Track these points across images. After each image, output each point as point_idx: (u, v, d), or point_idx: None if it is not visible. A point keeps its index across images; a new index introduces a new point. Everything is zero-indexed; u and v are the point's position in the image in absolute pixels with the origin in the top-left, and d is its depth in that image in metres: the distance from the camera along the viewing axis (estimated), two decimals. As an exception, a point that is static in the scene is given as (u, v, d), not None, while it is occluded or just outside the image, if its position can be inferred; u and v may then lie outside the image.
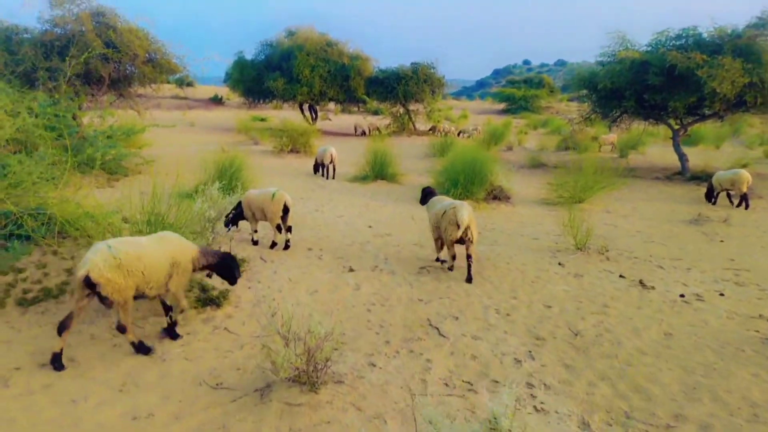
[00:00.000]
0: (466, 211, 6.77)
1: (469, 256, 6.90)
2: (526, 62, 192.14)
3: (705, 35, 16.06)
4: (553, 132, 36.76)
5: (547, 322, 5.59)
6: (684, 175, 16.52)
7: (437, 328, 5.35)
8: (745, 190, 12.69)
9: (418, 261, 7.86)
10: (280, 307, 5.74)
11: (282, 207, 7.94)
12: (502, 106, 57.75)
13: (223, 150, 20.89)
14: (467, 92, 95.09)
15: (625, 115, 18.86)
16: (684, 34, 16.43)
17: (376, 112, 43.99)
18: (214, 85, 70.34)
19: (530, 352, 4.86)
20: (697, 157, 19.55)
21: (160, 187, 7.09)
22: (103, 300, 4.30)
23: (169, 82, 67.17)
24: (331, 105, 40.51)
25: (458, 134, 28.18)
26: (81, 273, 4.16)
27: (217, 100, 53.31)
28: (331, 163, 16.71)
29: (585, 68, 18.49)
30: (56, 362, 4.33)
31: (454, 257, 7.29)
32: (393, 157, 16.27)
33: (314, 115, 34.51)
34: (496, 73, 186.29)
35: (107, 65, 14.24)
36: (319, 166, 17.05)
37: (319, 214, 11.10)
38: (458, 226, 6.68)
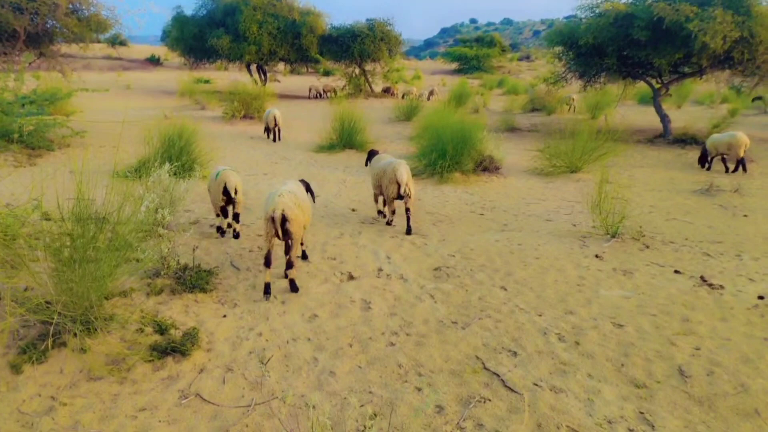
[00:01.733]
0: (404, 169, 7.03)
1: (407, 210, 7.22)
2: (473, 21, 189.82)
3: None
4: (509, 92, 35.58)
5: (633, 353, 4.15)
6: (666, 137, 15.51)
7: (497, 374, 3.81)
8: (742, 154, 11.69)
9: (427, 257, 6.29)
10: (271, 348, 4.06)
11: (222, 189, 6.33)
12: (454, 66, 55.96)
13: (165, 117, 18.44)
14: (415, 52, 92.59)
15: (602, 74, 17.61)
16: (669, -15, 15.14)
17: (327, 73, 41.40)
18: (151, 44, 65.14)
19: (642, 414, 3.40)
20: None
21: (93, 166, 5.16)
22: (287, 234, 4.83)
23: (99, 41, 61.86)
24: (280, 66, 37.69)
25: (428, 97, 26.39)
26: (277, 212, 4.75)
27: (154, 61, 49.07)
28: (276, 126, 15.47)
29: (562, 24, 16.97)
30: (267, 291, 4.95)
31: (393, 212, 7.67)
32: (362, 122, 14.45)
33: (264, 77, 31.78)
34: (443, 32, 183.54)
35: (21, 17, 11.56)
36: (268, 129, 15.96)
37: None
38: (398, 184, 6.93)
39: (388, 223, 7.61)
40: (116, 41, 55.67)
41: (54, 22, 12.28)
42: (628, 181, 11.13)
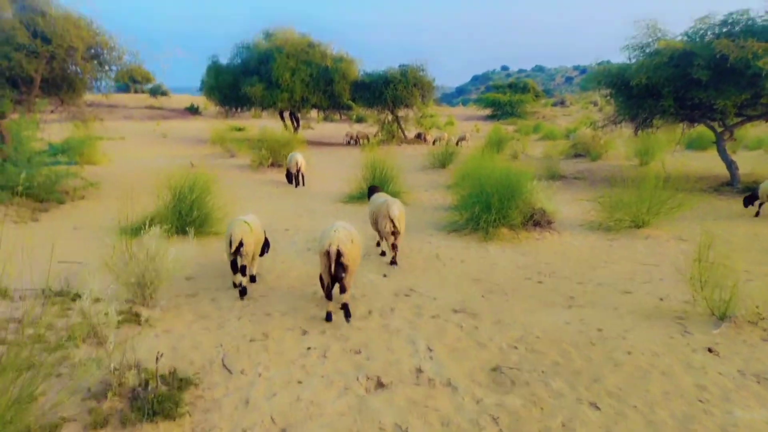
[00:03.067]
0: (396, 207, 7.33)
1: (394, 246, 7.52)
2: (505, 68, 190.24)
3: (758, 20, 13.28)
4: (546, 137, 34.13)
5: None
6: (734, 186, 13.69)
7: None
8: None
9: (480, 348, 4.75)
10: None
11: (228, 241, 5.88)
12: (487, 111, 55.02)
13: (192, 165, 17.61)
14: (447, 99, 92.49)
15: (655, 117, 16.01)
16: (730, 20, 13.64)
17: (359, 119, 40.90)
18: (191, 94, 66.62)
19: None
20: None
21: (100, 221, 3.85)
22: (341, 267, 5.05)
23: (139, 91, 63.41)
24: (313, 113, 37.31)
25: (457, 143, 25.18)
26: (333, 248, 5.02)
27: (193, 110, 49.68)
28: (298, 170, 14.58)
29: (611, 64, 15.56)
30: (329, 318, 5.25)
31: (394, 247, 7.59)
32: (394, 170, 13.16)
33: (296, 124, 31.22)
34: (475, 80, 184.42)
35: (35, 61, 10.83)
36: (290, 176, 15.05)
37: (311, 256, 7.92)
38: (391, 220, 7.20)
39: (393, 263, 7.61)
40: (158, 92, 57.03)
41: (75, 67, 11.46)
42: (707, 239, 9.41)
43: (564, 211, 11.02)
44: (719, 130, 14.93)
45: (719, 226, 10.32)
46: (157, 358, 3.45)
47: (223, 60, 30.56)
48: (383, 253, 8.12)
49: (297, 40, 28.80)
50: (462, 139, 27.37)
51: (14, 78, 11.11)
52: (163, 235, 5.54)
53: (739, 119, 14.99)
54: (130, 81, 66.31)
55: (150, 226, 8.50)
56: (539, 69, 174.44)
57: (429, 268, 7.53)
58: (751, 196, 11.22)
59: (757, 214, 10.96)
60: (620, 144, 22.28)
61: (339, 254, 4.99)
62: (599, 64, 16.17)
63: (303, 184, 14.86)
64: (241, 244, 5.81)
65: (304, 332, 4.98)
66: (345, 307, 5.36)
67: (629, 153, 21.42)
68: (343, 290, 5.29)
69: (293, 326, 5.12)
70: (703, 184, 14.71)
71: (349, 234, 5.32)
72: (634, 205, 9.71)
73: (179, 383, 3.58)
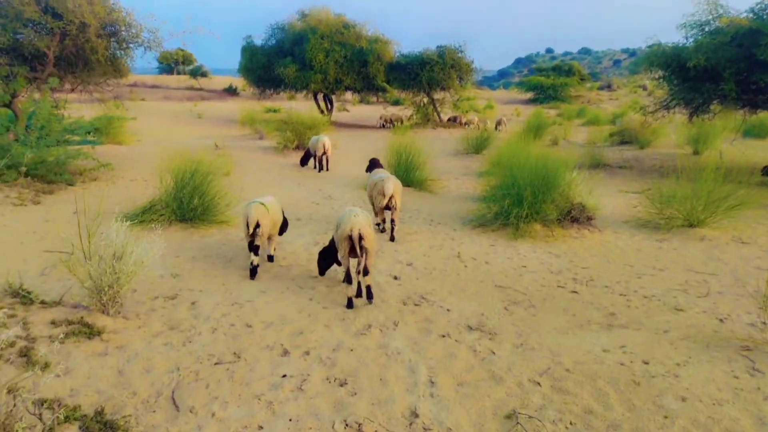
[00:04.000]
0: (391, 184, 7.48)
1: (392, 221, 7.71)
2: (549, 50, 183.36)
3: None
4: (590, 123, 32.22)
5: None
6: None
7: None
8: None
9: (494, 383, 3.83)
10: None
11: (245, 223, 5.97)
12: (529, 95, 52.81)
13: (216, 146, 17.08)
14: (488, 82, 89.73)
15: (713, 102, 14.41)
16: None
17: (396, 102, 39.77)
18: (232, 76, 66.83)
19: None
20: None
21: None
22: (362, 250, 5.11)
23: (179, 73, 63.87)
24: (348, 95, 36.40)
25: (495, 127, 23.86)
26: (355, 232, 5.09)
27: (231, 91, 49.55)
28: (324, 154, 13.79)
29: (665, 45, 13.96)
30: (350, 305, 5.25)
31: (384, 221, 8.06)
32: (421, 155, 12.17)
33: (329, 106, 30.41)
34: (518, 62, 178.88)
35: (46, 38, 10.30)
36: (308, 158, 14.32)
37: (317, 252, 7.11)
38: (384, 195, 7.39)
39: (391, 239, 7.75)
40: (198, 73, 57.25)
41: (89, 44, 10.86)
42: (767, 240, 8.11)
43: (607, 204, 9.82)
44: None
45: (787, 226, 8.96)
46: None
47: (258, 41, 29.98)
48: (383, 230, 8.18)
49: (332, 21, 27.85)
50: (499, 123, 26.00)
51: (26, 55, 10.63)
52: (162, 223, 4.77)
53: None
54: (173, 62, 67.17)
55: (144, 213, 7.98)
56: (586, 52, 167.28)
57: (447, 270, 6.60)
58: None
59: None
60: (671, 131, 20.51)
61: (361, 238, 5.11)
62: (650, 46, 14.56)
63: (327, 169, 14.06)
64: (257, 226, 5.84)
65: (285, 352, 4.17)
66: (368, 289, 5.41)
67: (680, 141, 19.68)
68: (366, 272, 5.29)
69: (274, 343, 4.32)
70: (759, 175, 13.12)
71: (367, 218, 5.49)
72: (689, 200, 8.46)
73: (102, 429, 2.82)
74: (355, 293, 5.37)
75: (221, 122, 29.25)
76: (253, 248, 5.99)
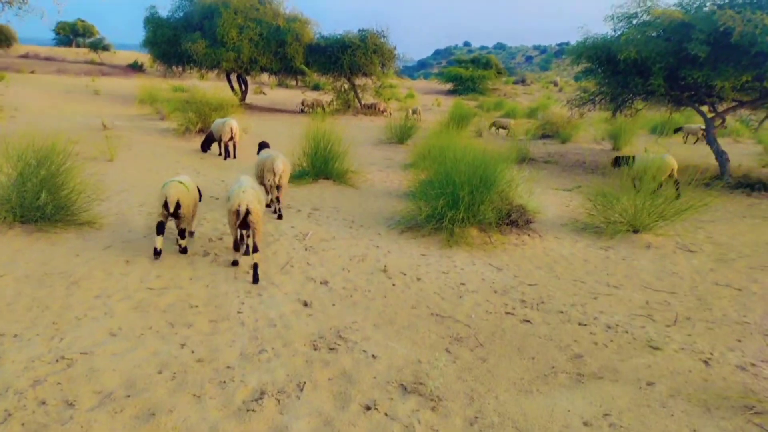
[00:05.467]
0: (280, 162, 7.33)
1: (278, 199, 7.57)
2: (467, 44, 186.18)
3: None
4: (508, 115, 32.06)
5: None
6: (725, 179, 11.86)
7: None
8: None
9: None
10: None
11: (162, 203, 5.45)
12: (448, 86, 52.48)
13: (104, 126, 14.59)
14: (408, 72, 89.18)
15: (638, 98, 14.03)
16: (733, -10, 11.65)
17: (316, 87, 37.76)
18: (138, 51, 61.41)
19: None
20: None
21: None
22: (248, 224, 5.17)
23: (79, 45, 57.89)
24: (265, 77, 33.92)
25: (410, 114, 22.75)
26: (243, 206, 5.09)
27: (136, 67, 45.07)
28: (231, 139, 12.01)
29: (596, 36, 13.30)
30: (234, 264, 5.52)
31: (278, 200, 7.59)
32: (341, 144, 10.65)
33: (244, 88, 27.95)
34: (437, 54, 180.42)
35: None
36: (210, 143, 12.49)
37: (218, 268, 5.45)
38: (274, 173, 7.27)
39: (279, 217, 7.56)
40: (99, 45, 51.78)
41: None
42: (712, 246, 7.45)
43: (541, 204, 8.83)
44: (710, 115, 13.06)
45: (721, 230, 8.42)
46: None
47: (164, 13, 26.81)
48: (275, 210, 7.66)
49: (247, -5, 25.37)
50: (414, 111, 25.02)
51: None
52: None
53: (733, 104, 13.15)
54: (71, 34, 60.54)
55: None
56: (500, 47, 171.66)
57: (372, 291, 5.19)
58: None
59: None
60: (589, 126, 20.41)
61: (248, 212, 5.14)
62: (580, 41, 13.84)
63: (234, 156, 12.20)
64: (178, 206, 5.42)
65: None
66: (255, 268, 5.24)
67: (598, 136, 19.61)
68: (255, 250, 5.28)
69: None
70: (686, 176, 12.88)
71: (256, 193, 5.46)
72: (632, 205, 7.61)
73: None
74: (240, 256, 5.66)
75: (120, 100, 25.94)
76: (161, 230, 5.52)
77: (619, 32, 13.28)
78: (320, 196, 9.26)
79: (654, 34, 12.42)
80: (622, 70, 12.64)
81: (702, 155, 15.29)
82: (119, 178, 9.20)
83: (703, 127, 20.04)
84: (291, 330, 4.21)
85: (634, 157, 10.50)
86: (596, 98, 14.32)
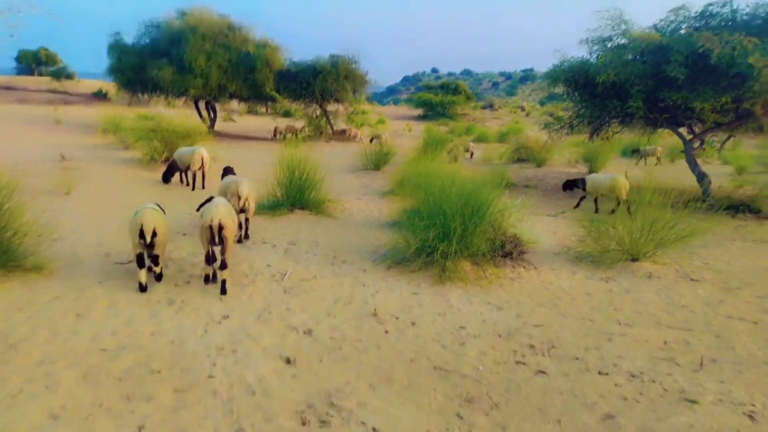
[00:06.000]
0: (245, 186, 7.32)
1: (246, 220, 7.54)
2: (435, 70, 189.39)
3: (740, 12, 11.34)
4: (479, 140, 32.10)
5: None
6: (707, 201, 11.69)
7: None
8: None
9: None
10: None
11: (138, 232, 5.16)
12: (419, 111, 52.73)
13: (62, 158, 13.64)
14: (378, 98, 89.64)
15: (614, 121, 13.92)
16: (708, 12, 11.66)
17: (287, 113, 37.27)
18: (103, 79, 59.99)
19: None
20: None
21: None
22: (222, 240, 5.24)
23: (41, 74, 56.23)
24: (235, 104, 33.24)
25: (371, 140, 22.45)
26: (215, 222, 5.20)
27: (100, 96, 43.77)
28: (200, 168, 11.32)
29: (573, 59, 13.17)
30: (206, 280, 5.60)
31: (240, 227, 7.34)
32: (317, 171, 10.04)
33: (213, 115, 27.17)
34: (406, 80, 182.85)
35: None
36: (173, 173, 11.68)
37: (185, 319, 4.72)
38: (239, 197, 7.18)
39: (239, 240, 7.37)
40: (62, 74, 50.26)
41: None
42: (712, 273, 7.08)
43: (533, 231, 8.37)
44: (688, 137, 12.98)
45: (716, 255, 8.10)
46: None
47: (130, 39, 25.96)
48: (240, 238, 7.43)
49: (215, 21, 24.72)
50: (376, 137, 24.88)
51: None
52: None
53: (712, 126, 13.12)
54: (34, 62, 58.82)
55: None
56: (467, 73, 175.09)
57: (363, 341, 4.55)
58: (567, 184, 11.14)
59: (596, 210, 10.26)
60: (562, 149, 20.33)
61: (221, 228, 5.21)
62: (555, 65, 13.65)
63: (203, 186, 11.48)
64: (154, 234, 5.19)
65: None
66: (223, 284, 5.41)
67: (572, 159, 19.54)
68: (223, 266, 5.36)
69: None
70: (668, 198, 12.70)
71: (229, 210, 5.57)
72: (629, 232, 7.20)
73: None
74: (211, 273, 5.64)
75: (83, 129, 24.83)
76: (144, 263, 5.27)
77: (595, 55, 13.21)
78: (297, 228, 8.60)
79: (630, 56, 12.34)
80: (600, 93, 12.49)
81: (673, 176, 15.24)
82: (75, 214, 8.37)
83: (659, 148, 20.45)
84: (273, 398, 3.53)
85: (584, 180, 10.72)
86: (574, 122, 14.14)
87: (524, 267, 6.77)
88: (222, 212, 5.33)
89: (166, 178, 11.53)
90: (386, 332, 4.77)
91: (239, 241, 7.33)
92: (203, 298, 5.24)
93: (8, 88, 47.77)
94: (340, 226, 8.96)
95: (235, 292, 5.50)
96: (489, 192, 6.70)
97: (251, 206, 7.48)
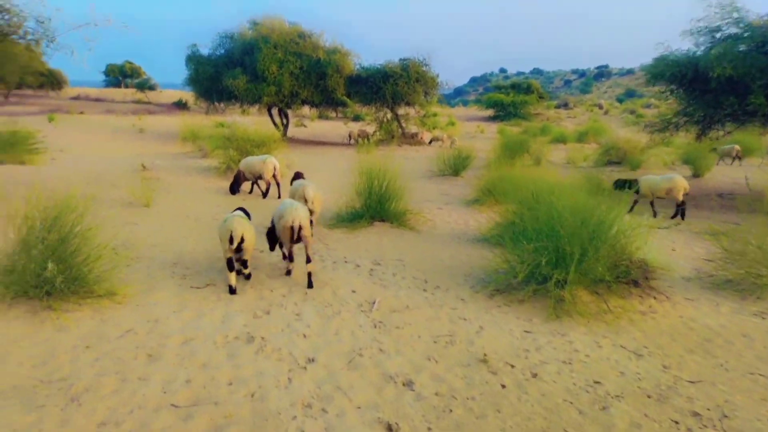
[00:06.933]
0: (311, 189, 7.73)
1: (311, 222, 6.95)
2: (503, 70, 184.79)
3: None
4: (556, 141, 30.25)
5: None
6: None
7: None
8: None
9: None
10: None
11: (228, 238, 5.36)
12: (489, 112, 51.07)
13: (143, 167, 13.71)
14: (446, 99, 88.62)
15: (727, 120, 12.21)
16: None
17: (356, 117, 36.96)
18: (182, 90, 62.78)
19: None
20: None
21: None
22: (300, 238, 5.65)
23: (127, 86, 59.53)
24: (306, 109, 33.34)
25: (429, 142, 21.57)
26: (296, 223, 5.58)
27: (180, 105, 45.54)
28: (273, 177, 11.01)
29: (678, 54, 11.63)
30: (288, 273, 6.06)
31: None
32: (398, 179, 9.25)
33: (285, 121, 27.23)
34: (473, 81, 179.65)
35: None
36: (240, 183, 11.26)
37: (266, 361, 4.06)
38: (306, 200, 7.49)
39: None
40: (145, 86, 52.95)
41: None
42: None
43: (657, 252, 7.14)
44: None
45: None
46: None
47: (205, 51, 26.54)
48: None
49: (286, 30, 24.76)
50: (437, 139, 23.96)
51: None
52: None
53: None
54: (120, 75, 62.46)
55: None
56: (537, 72, 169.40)
57: (477, 399, 3.68)
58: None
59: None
60: (659, 150, 18.45)
61: (300, 228, 5.59)
62: (656, 59, 12.13)
63: (279, 195, 11.12)
64: (242, 240, 5.39)
65: None
66: (309, 276, 5.79)
67: (669, 161, 17.65)
68: (308, 261, 5.77)
69: None
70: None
71: (306, 211, 5.85)
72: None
73: None
74: (292, 269, 6.09)
75: (163, 138, 25.62)
76: (233, 266, 5.47)
77: (702, 48, 11.62)
78: (379, 243, 7.85)
79: (743, 47, 10.71)
80: (713, 89, 10.91)
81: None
82: (153, 228, 8.06)
83: (737, 146, 17.73)
84: (343, 412, 2.74)
85: (637, 180, 9.95)
86: (680, 121, 12.54)
87: (654, 297, 5.63)
88: (301, 214, 5.69)
89: (233, 189, 11.20)
90: (503, 387, 3.86)
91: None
92: (285, 335, 4.56)
93: (97, 99, 50.90)
94: (424, 240, 8.13)
95: (320, 325, 4.79)
96: (610, 208, 5.62)
97: (317, 209, 7.86)
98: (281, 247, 6.34)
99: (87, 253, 4.99)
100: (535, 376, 4.04)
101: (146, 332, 4.46)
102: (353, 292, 5.71)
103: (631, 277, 5.60)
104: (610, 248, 5.48)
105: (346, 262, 6.83)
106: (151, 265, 6.25)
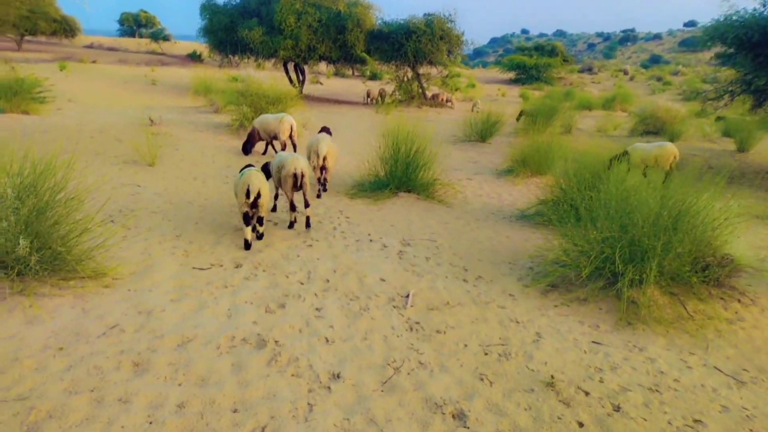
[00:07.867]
0: (324, 144, 7.42)
1: (323, 180, 7.72)
2: (525, 31, 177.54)
3: None
4: (581, 107, 28.64)
5: None
6: None
7: None
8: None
9: None
10: None
11: (245, 191, 5.24)
12: (510, 75, 48.91)
13: (151, 122, 12.74)
14: (465, 61, 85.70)
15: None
16: None
17: (374, 76, 35.39)
18: (196, 41, 60.89)
19: None
20: None
21: None
22: (302, 185, 5.82)
23: (141, 36, 57.80)
24: (322, 66, 31.85)
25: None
26: (299, 170, 5.74)
27: (195, 57, 44.01)
28: (289, 137, 9.88)
29: (743, 13, 10.24)
30: (291, 226, 6.08)
31: (319, 180, 7.67)
32: (424, 145, 8.23)
33: (302, 78, 25.90)
34: (494, 42, 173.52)
35: None
36: (254, 143, 10.28)
37: (279, 378, 3.20)
38: (318, 155, 7.35)
39: (318, 196, 7.71)
40: (160, 36, 51.27)
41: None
42: None
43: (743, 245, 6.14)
44: None
45: None
46: None
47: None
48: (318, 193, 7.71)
49: (305, -22, 23.20)
50: (449, 101, 22.85)
51: None
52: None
53: None
54: (135, 25, 60.61)
55: None
56: (561, 34, 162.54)
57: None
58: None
59: None
60: (699, 121, 17.10)
61: (302, 175, 5.75)
62: (717, 20, 10.72)
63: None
64: (258, 195, 5.24)
65: None
66: (307, 219, 6.16)
67: (711, 133, 16.32)
68: (307, 205, 6.08)
69: None
70: None
71: (306, 162, 5.96)
72: None
73: None
74: (295, 220, 6.14)
75: (175, 91, 24.50)
76: (250, 221, 5.34)
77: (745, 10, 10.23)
78: (406, 219, 6.92)
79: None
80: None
81: None
82: (155, 191, 7.18)
83: None
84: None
85: (626, 152, 8.86)
86: (736, 89, 11.24)
87: (738, 300, 4.69)
88: (303, 163, 5.84)
89: (246, 149, 10.24)
90: (581, 425, 2.99)
91: (318, 196, 7.72)
92: (304, 338, 3.70)
93: (111, 49, 49.40)
94: (457, 217, 7.18)
95: (345, 326, 3.93)
96: (696, 196, 4.61)
97: (330, 164, 7.65)
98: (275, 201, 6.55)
99: (70, 226, 4.11)
100: (618, 410, 3.16)
101: (134, 330, 3.62)
102: (382, 281, 4.82)
103: (715, 276, 4.64)
104: (694, 242, 4.51)
105: (371, 240, 5.93)
106: (150, 238, 5.39)
